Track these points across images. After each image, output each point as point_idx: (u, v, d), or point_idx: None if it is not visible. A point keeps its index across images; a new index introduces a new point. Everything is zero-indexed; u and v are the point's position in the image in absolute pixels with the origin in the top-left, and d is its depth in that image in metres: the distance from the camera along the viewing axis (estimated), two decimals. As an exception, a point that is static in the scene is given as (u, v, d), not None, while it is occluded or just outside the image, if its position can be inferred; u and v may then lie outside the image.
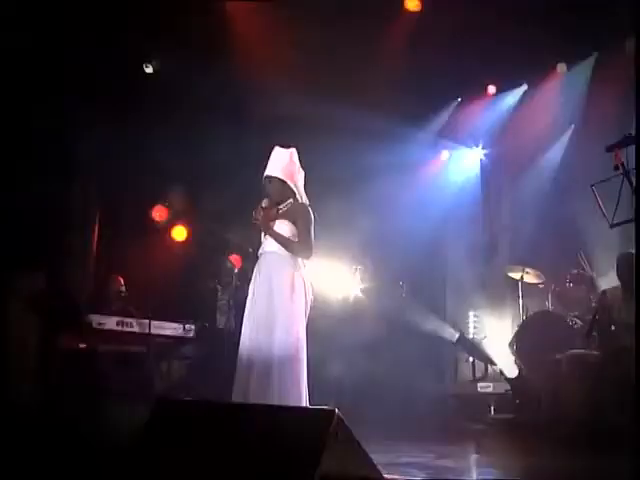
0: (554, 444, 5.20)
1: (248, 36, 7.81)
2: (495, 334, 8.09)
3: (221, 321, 7.41)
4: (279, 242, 4.60)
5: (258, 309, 4.49)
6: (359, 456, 2.68)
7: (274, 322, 4.40)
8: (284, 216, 4.67)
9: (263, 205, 4.66)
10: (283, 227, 4.62)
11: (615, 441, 4.63)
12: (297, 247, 4.61)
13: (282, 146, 4.81)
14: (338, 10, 7.38)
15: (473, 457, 5.38)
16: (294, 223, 4.63)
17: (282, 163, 4.72)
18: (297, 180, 4.77)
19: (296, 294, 4.50)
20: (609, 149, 4.00)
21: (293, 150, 4.80)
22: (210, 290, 7.83)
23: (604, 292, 5.75)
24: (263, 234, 4.71)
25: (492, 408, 7.49)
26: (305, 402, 4.29)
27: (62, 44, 7.32)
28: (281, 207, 4.71)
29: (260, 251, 4.71)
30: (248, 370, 4.34)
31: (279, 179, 4.68)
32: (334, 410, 2.56)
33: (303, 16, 7.47)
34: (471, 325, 8.84)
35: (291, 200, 4.74)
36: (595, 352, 5.55)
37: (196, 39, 7.77)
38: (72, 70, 7.58)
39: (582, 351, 5.66)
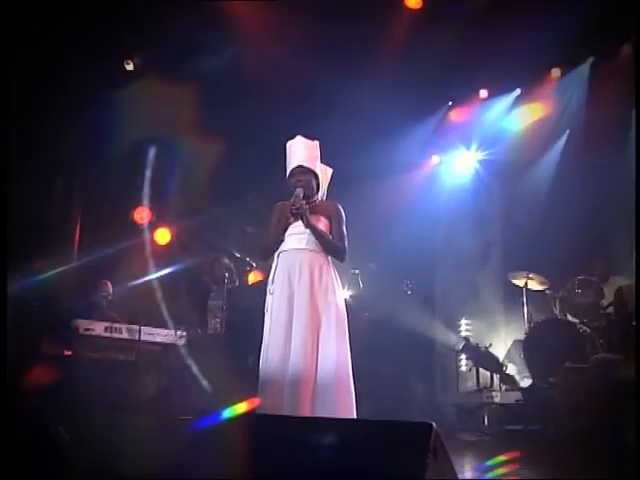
0: (574, 456, 4.98)
1: (242, 28, 7.50)
2: (496, 342, 7.88)
3: (214, 327, 7.04)
4: (319, 237, 4.01)
5: (301, 313, 3.89)
6: (453, 473, 2.43)
7: (327, 329, 3.90)
8: (315, 212, 4.11)
9: (300, 195, 4.05)
10: (318, 223, 4.07)
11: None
12: (336, 246, 4.08)
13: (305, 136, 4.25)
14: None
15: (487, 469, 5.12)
16: (329, 221, 4.11)
17: (313, 155, 4.20)
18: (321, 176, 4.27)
19: (343, 299, 4.09)
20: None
21: (317, 143, 4.26)
22: (200, 295, 7.47)
23: (619, 289, 5.58)
24: (287, 230, 4.08)
25: (487, 418, 7.23)
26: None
27: (40, 42, 6.97)
28: (309, 203, 4.13)
29: (286, 248, 4.07)
30: (291, 381, 3.77)
31: (314, 172, 4.19)
32: (432, 424, 2.30)
33: (301, 11, 7.22)
34: (463, 333, 8.63)
35: (317, 197, 4.25)
36: (618, 356, 5.33)
37: (178, 33, 7.47)
38: (53, 69, 7.24)
39: (609, 355, 5.46)
